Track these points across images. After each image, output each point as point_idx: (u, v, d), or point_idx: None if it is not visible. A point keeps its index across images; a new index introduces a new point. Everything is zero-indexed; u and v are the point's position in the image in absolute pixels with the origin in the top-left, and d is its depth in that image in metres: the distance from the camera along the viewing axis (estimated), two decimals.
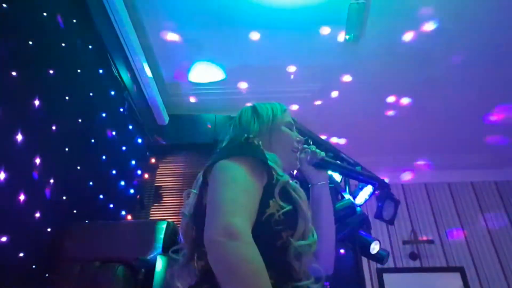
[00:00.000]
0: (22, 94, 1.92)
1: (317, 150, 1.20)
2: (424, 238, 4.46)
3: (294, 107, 3.89)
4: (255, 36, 3.17)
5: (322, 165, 1.20)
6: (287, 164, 1.17)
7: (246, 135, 1.00)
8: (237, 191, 0.85)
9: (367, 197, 3.11)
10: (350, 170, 1.27)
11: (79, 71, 2.48)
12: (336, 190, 2.71)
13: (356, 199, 3.20)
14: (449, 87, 3.61)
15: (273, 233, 0.89)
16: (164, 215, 3.45)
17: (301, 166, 1.21)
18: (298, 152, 1.19)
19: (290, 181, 1.01)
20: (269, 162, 0.97)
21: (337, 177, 3.30)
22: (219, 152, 1.01)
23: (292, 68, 3.50)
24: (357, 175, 1.28)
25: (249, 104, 1.25)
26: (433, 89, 3.64)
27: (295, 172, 1.27)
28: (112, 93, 2.97)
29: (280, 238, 0.89)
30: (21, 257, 1.85)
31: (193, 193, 1.08)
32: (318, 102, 3.86)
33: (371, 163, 3.63)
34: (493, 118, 3.93)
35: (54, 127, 2.14)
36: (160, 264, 2.09)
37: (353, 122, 4.03)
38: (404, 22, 3.04)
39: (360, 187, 3.22)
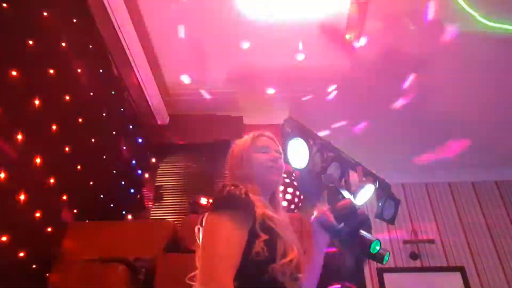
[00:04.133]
0: (22, 94, 1.92)
1: (331, 218, 1.27)
2: (425, 237, 4.45)
3: (295, 106, 3.89)
4: (256, 35, 3.17)
5: (329, 230, 1.27)
6: (268, 183, 1.27)
7: (228, 185, 1.12)
8: (222, 248, 1.01)
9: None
10: (356, 234, 1.31)
11: (79, 71, 2.48)
12: (336, 190, 2.71)
13: (357, 199, 3.20)
14: (449, 88, 3.61)
15: (260, 269, 1.03)
16: (165, 215, 3.45)
17: (313, 225, 1.30)
18: (277, 168, 1.29)
19: (266, 211, 1.13)
20: (252, 199, 1.11)
21: (337, 175, 3.30)
22: (212, 202, 1.14)
23: (293, 68, 3.50)
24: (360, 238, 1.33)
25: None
26: (434, 89, 3.64)
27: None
28: (112, 93, 2.97)
29: (266, 272, 1.03)
30: (21, 257, 1.85)
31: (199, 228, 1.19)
32: (319, 101, 3.86)
33: (372, 162, 3.63)
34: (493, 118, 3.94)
35: (54, 127, 2.14)
36: (160, 264, 2.09)
37: (354, 121, 4.03)
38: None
39: (360, 186, 3.22)
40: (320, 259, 1.30)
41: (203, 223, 1.12)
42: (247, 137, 1.36)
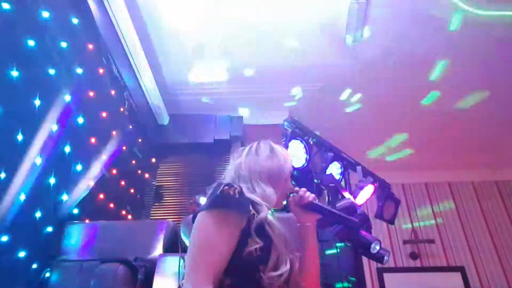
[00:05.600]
0: (22, 94, 1.92)
1: (306, 193, 1.32)
2: (425, 237, 4.45)
3: (296, 107, 3.89)
4: (256, 35, 3.17)
5: (309, 208, 1.30)
6: (273, 203, 1.27)
7: (222, 185, 1.13)
8: (205, 247, 1.03)
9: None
10: (335, 215, 1.35)
11: (79, 71, 2.48)
12: (336, 190, 2.72)
13: (357, 199, 3.21)
14: (450, 88, 3.61)
15: (252, 268, 1.05)
16: (165, 215, 3.46)
17: (290, 206, 1.35)
18: (286, 198, 1.34)
19: (268, 216, 1.15)
20: (254, 197, 1.16)
21: (337, 175, 3.30)
22: (206, 201, 1.16)
23: (293, 67, 3.49)
24: (341, 219, 1.38)
25: (267, 141, 1.41)
26: (431, 89, 3.65)
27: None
28: (112, 93, 2.96)
29: (258, 271, 1.05)
30: (21, 257, 1.85)
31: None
32: (319, 101, 3.86)
33: (372, 162, 3.64)
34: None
35: (54, 127, 2.14)
36: (160, 264, 2.09)
37: (355, 121, 4.03)
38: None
39: (360, 186, 3.23)
40: (314, 254, 1.29)
41: (195, 222, 1.14)
42: (287, 155, 1.37)
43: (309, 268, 1.26)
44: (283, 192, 1.32)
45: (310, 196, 1.31)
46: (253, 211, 1.12)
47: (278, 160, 1.32)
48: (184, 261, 1.19)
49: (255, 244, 1.06)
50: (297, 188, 1.35)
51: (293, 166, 1.39)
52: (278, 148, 1.37)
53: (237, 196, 1.11)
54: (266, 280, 1.04)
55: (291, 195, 1.36)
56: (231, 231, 1.07)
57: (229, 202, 1.09)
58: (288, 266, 1.09)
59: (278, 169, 1.30)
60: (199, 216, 1.12)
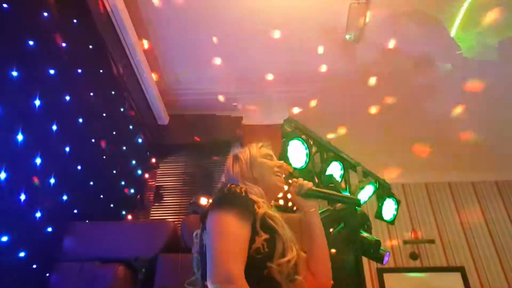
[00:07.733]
0: (22, 94, 1.92)
1: (304, 182, 1.35)
2: (425, 237, 4.45)
3: (295, 106, 3.89)
4: (255, 36, 3.17)
5: (309, 195, 1.34)
6: (273, 188, 1.35)
7: (229, 184, 1.19)
8: (230, 242, 1.05)
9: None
10: (335, 196, 1.44)
11: (79, 71, 2.48)
12: (336, 190, 2.71)
13: None
14: (448, 88, 3.61)
15: (260, 264, 1.07)
16: (164, 215, 3.46)
17: (291, 196, 1.38)
18: (282, 175, 1.37)
19: (268, 211, 1.18)
20: (253, 197, 1.19)
21: (337, 176, 3.30)
22: (213, 200, 1.20)
23: (293, 68, 3.49)
24: (341, 199, 1.50)
25: (233, 151, 1.51)
26: (431, 89, 3.64)
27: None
28: (112, 93, 2.96)
29: (265, 268, 1.07)
30: (21, 257, 1.85)
31: (198, 233, 1.23)
32: (319, 102, 3.86)
33: (372, 162, 3.63)
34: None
35: (54, 127, 2.14)
36: (160, 264, 2.09)
37: (355, 121, 4.03)
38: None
39: (361, 187, 3.23)
40: (320, 237, 1.31)
41: (207, 221, 1.14)
42: (252, 145, 1.43)
43: (318, 251, 1.29)
44: (268, 175, 1.34)
45: (308, 183, 1.35)
46: (256, 209, 1.16)
47: (242, 160, 1.37)
48: (198, 260, 1.21)
49: (261, 241, 1.09)
50: (294, 179, 1.37)
51: (260, 148, 1.42)
52: (241, 149, 1.44)
53: (244, 194, 1.15)
54: (276, 268, 1.06)
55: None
56: (248, 229, 1.10)
57: (239, 200, 1.13)
58: (294, 252, 1.12)
59: (246, 166, 1.35)
60: (213, 215, 1.13)
